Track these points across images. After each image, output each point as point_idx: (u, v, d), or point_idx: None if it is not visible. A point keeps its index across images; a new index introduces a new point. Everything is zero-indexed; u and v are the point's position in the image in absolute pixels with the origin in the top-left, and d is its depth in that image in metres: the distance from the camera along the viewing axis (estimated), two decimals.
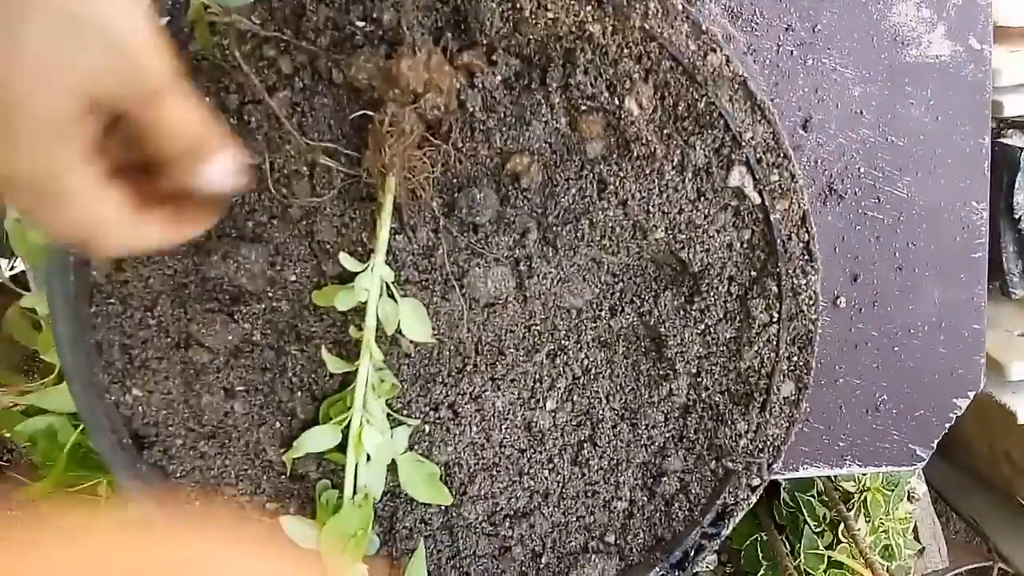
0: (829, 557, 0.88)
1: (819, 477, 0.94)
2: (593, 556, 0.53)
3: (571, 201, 0.49)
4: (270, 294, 0.53)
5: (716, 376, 0.50)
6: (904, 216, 0.75)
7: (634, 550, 0.53)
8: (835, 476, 0.92)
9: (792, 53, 0.69)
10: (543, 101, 0.47)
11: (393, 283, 0.49)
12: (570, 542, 0.54)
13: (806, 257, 0.47)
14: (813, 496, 0.93)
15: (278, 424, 0.54)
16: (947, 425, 0.79)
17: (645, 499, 0.53)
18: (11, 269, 1.21)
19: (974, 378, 0.79)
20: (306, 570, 0.28)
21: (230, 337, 0.53)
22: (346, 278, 0.51)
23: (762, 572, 0.92)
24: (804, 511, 0.92)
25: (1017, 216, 0.88)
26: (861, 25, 0.69)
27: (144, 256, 0.53)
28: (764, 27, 0.68)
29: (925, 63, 0.71)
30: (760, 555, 0.96)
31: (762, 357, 0.49)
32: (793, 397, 0.49)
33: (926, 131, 0.74)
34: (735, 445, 0.50)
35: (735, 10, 0.66)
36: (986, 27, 0.70)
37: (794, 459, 0.80)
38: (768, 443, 0.50)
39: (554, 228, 0.49)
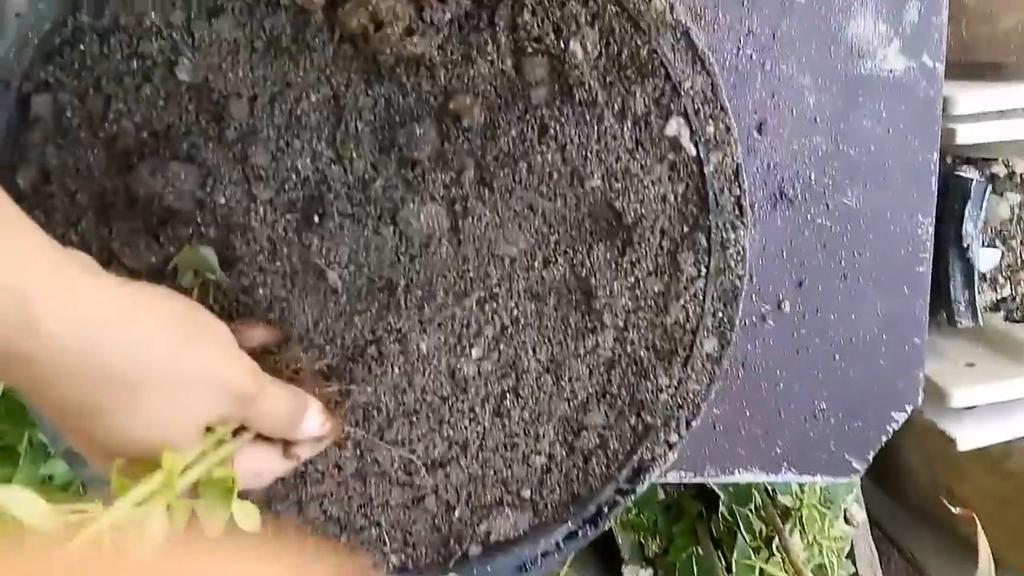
0: (761, 569, 0.86)
1: (756, 488, 0.93)
2: (507, 509, 0.52)
3: (511, 144, 0.49)
4: (198, 218, 0.52)
5: (642, 330, 0.50)
6: (851, 225, 0.76)
7: (548, 506, 0.52)
8: (772, 490, 0.91)
9: (752, 57, 0.70)
10: (490, 40, 0.48)
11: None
12: (485, 496, 0.52)
13: (737, 212, 0.47)
14: (751, 511, 0.92)
15: None
16: (883, 438, 0.79)
17: (564, 454, 0.52)
18: None
19: (912, 392, 0.79)
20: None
21: (153, 259, 0.52)
22: (278, 205, 0.51)
23: None
24: (741, 525, 0.91)
25: (966, 245, 0.90)
26: (820, 35, 0.71)
27: (73, 170, 0.52)
28: (725, 29, 0.69)
29: (879, 76, 0.72)
30: (695, 570, 0.94)
31: (688, 311, 0.49)
32: (715, 354, 0.48)
33: (877, 143, 0.75)
34: (656, 400, 0.50)
35: (698, 11, 0.67)
36: (939, 46, 0.72)
37: (731, 462, 0.80)
38: (688, 399, 0.49)
39: (491, 168, 0.49)
